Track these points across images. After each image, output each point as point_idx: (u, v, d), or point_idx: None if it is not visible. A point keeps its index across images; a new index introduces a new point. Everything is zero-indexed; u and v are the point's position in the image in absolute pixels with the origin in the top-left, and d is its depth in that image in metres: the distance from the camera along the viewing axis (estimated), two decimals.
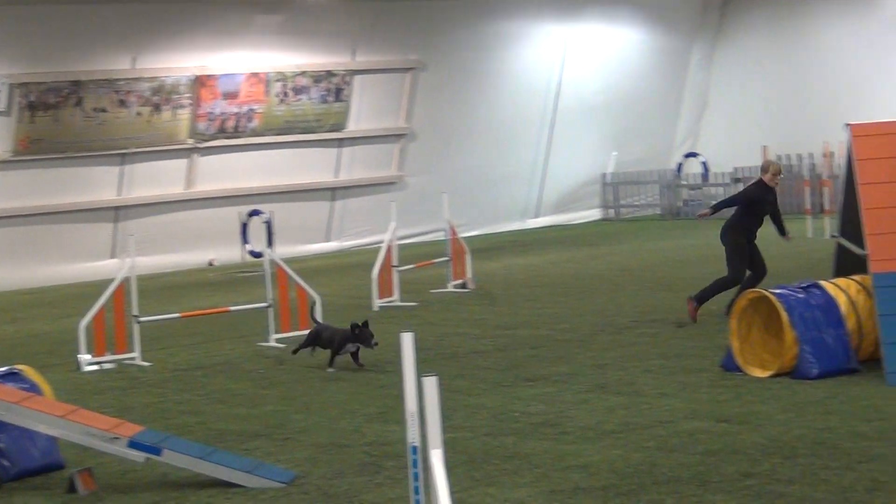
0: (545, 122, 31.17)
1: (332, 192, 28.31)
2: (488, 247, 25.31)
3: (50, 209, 24.77)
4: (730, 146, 31.68)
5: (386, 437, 8.78)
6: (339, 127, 28.04)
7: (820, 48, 31.33)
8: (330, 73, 27.70)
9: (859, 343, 10.14)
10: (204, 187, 26.66)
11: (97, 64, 24.82)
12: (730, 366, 10.44)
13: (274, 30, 26.81)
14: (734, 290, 13.42)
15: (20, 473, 8.20)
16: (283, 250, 23.05)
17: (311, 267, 23.16)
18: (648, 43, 32.56)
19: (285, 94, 27.23)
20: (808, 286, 10.41)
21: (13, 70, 23.85)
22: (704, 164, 31.95)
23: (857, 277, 10.52)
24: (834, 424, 8.37)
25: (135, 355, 13.29)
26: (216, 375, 12.23)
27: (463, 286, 18.29)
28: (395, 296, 17.09)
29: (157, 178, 25.97)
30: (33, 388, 8.52)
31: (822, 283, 10.53)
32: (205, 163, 26.51)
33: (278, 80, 27.10)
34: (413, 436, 5.43)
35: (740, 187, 30.27)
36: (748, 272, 13.67)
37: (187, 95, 25.91)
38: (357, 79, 28.08)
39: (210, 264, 26.15)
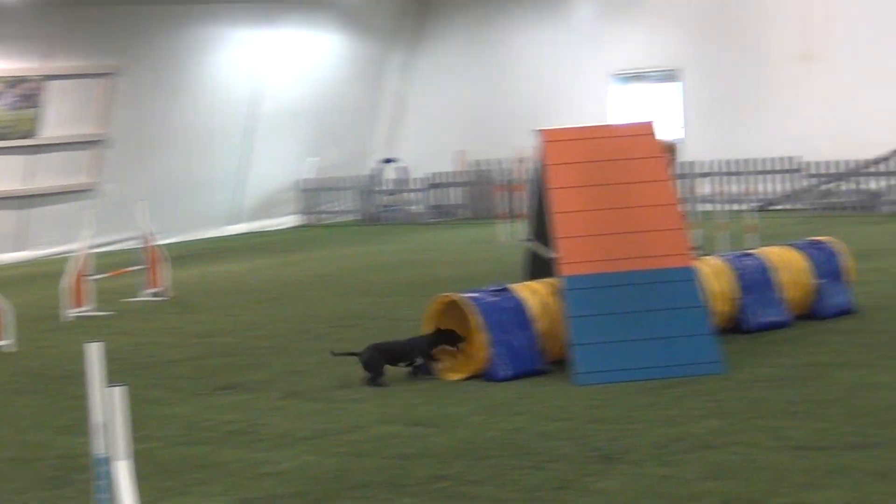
0: (244, 128, 30.94)
1: (24, 200, 27.32)
2: (187, 254, 24.93)
3: None
4: (427, 152, 32.20)
5: (75, 449, 8.51)
6: (30, 133, 27.09)
7: (514, 55, 32.28)
8: (22, 79, 26.73)
9: (551, 345, 10.43)
10: None
11: None
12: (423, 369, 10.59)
13: None
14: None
15: None
16: None
17: (1, 277, 22.32)
18: (347, 49, 32.77)
19: None
20: (500, 289, 10.66)
21: None
22: (402, 169, 32.37)
23: (548, 280, 10.83)
24: (523, 425, 8.59)
25: None
26: None
27: (159, 294, 17.97)
28: (90, 305, 16.65)
29: None
30: None
31: (514, 286, 10.81)
32: None
33: None
34: (99, 447, 5.30)
35: (438, 193, 31.08)
36: None
37: None
38: (51, 84, 27.21)
39: None
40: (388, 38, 33.50)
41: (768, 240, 15.65)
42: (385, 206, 32.06)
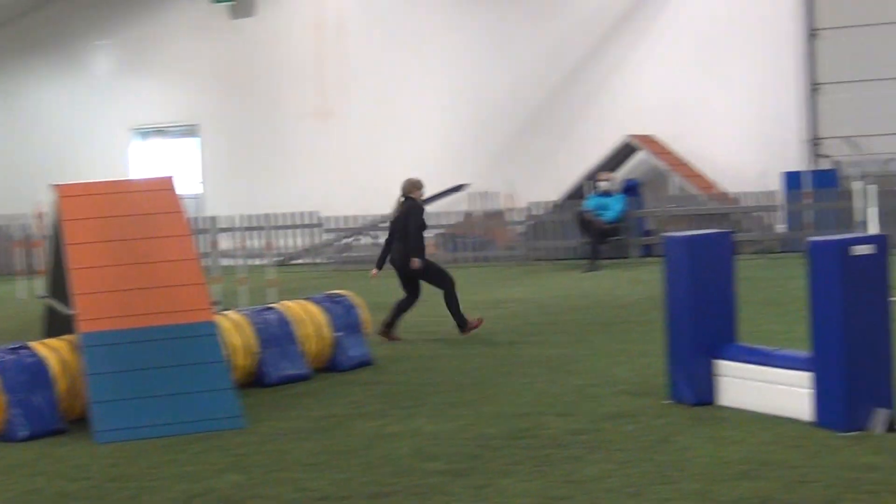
0: None
1: None
2: None
3: None
4: None
5: None
6: None
7: (33, 108, 31.40)
8: None
9: (73, 403, 10.12)
10: None
11: None
12: None
13: None
14: None
15: None
16: None
17: None
18: None
19: None
20: (18, 347, 10.27)
21: None
22: None
23: (68, 337, 10.52)
24: (42, 486, 8.30)
25: None
26: None
27: None
28: None
29: None
30: None
31: (33, 343, 10.43)
32: None
33: None
34: None
35: None
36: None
37: None
38: None
39: None
40: None
41: (288, 294, 15.93)
42: None
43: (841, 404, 8.37)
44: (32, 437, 9.79)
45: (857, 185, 17.92)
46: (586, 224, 23.15)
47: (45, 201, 19.61)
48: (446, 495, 7.54)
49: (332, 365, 12.33)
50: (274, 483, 8.03)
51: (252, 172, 30.24)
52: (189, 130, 31.09)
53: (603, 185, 23.63)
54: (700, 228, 22.60)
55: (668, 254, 9.93)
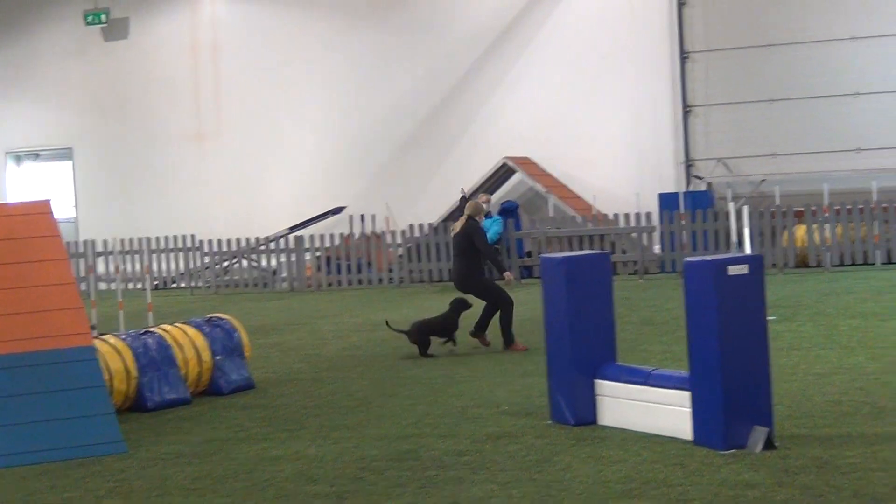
0: None
1: None
2: None
3: None
4: None
5: None
6: None
7: None
8: None
9: None
10: None
11: None
12: None
13: None
14: None
15: None
16: None
17: None
18: None
19: None
20: None
21: None
22: None
23: None
24: None
25: None
26: None
27: None
28: None
29: None
30: None
31: None
32: None
33: None
34: None
35: None
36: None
37: None
38: None
39: None
40: None
41: (168, 318, 15.76)
42: None
43: (719, 423, 8.52)
44: None
45: (731, 206, 18.29)
46: None
47: None
48: None
49: (213, 389, 12.23)
50: None
51: (128, 195, 29.92)
52: (64, 153, 30.65)
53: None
54: (578, 250, 23.00)
55: (547, 275, 10.03)
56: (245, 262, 26.46)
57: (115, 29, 30.15)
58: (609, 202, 25.29)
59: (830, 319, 15.24)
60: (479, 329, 14.60)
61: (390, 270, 25.28)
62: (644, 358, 12.47)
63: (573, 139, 26.43)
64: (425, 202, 27.11)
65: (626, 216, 24.23)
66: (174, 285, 27.09)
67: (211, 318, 12.93)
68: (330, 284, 25.53)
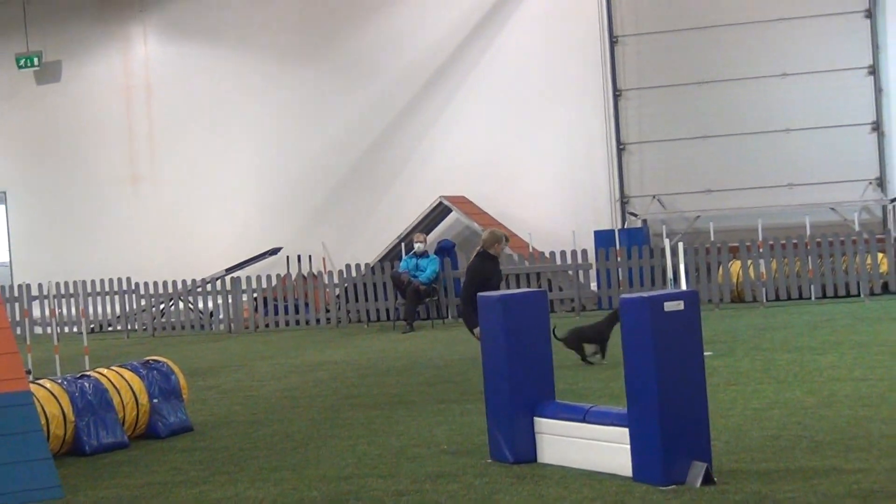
0: None
1: None
2: None
3: None
4: None
5: None
6: None
7: None
8: None
9: None
10: None
11: None
12: None
13: None
14: None
15: None
16: None
17: None
18: None
19: None
20: None
21: None
22: None
23: None
24: None
25: None
26: None
27: None
28: None
29: None
30: None
31: None
32: None
33: None
34: None
35: None
36: None
37: None
38: None
39: None
40: None
41: (104, 361, 15.63)
42: None
43: (658, 459, 8.56)
44: None
45: (666, 243, 18.43)
46: (402, 285, 23.30)
47: None
48: None
49: (150, 432, 12.14)
50: None
51: (63, 239, 29.69)
52: None
53: (417, 246, 23.81)
54: (514, 288, 23.07)
55: (484, 314, 10.06)
56: (182, 305, 26.27)
57: (47, 72, 29.99)
58: (545, 240, 25.41)
59: (767, 354, 15.37)
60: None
61: (327, 311, 25.21)
62: (583, 395, 12.52)
63: (509, 177, 26.58)
64: (362, 242, 27.12)
65: (563, 254, 24.35)
66: (110, 328, 26.85)
67: (148, 360, 12.84)
68: (267, 325, 25.42)
